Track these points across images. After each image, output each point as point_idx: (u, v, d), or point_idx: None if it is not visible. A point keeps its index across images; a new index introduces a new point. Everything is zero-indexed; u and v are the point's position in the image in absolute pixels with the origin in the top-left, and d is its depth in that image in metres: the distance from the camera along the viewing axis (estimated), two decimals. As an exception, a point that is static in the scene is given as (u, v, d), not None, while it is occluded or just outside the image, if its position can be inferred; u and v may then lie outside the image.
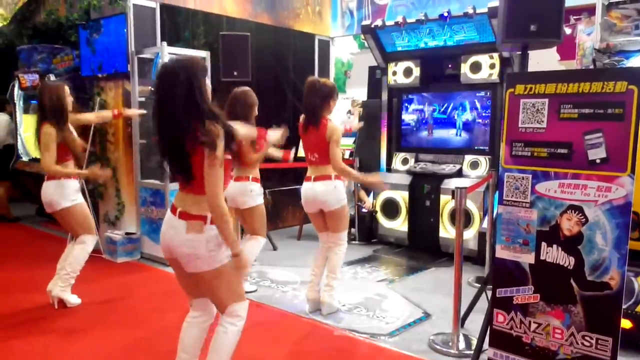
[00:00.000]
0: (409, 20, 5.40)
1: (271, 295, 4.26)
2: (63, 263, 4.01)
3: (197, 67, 2.25)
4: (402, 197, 5.61)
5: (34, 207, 7.62)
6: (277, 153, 4.30)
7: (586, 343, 2.45)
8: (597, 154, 2.38)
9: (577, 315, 2.47)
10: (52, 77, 5.89)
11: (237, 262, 2.29)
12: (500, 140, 2.70)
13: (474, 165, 5.31)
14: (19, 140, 7.49)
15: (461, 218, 3.23)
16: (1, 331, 3.58)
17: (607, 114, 2.35)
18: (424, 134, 5.79)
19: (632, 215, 2.34)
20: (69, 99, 3.88)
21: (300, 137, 3.82)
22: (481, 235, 4.93)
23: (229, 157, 2.39)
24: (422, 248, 5.57)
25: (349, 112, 7.46)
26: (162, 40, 5.18)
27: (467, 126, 5.47)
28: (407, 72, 5.69)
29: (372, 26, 5.66)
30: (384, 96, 5.98)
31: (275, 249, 5.68)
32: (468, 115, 5.46)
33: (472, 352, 3.10)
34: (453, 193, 3.24)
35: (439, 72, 5.61)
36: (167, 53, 4.89)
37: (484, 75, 5.17)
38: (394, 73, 5.80)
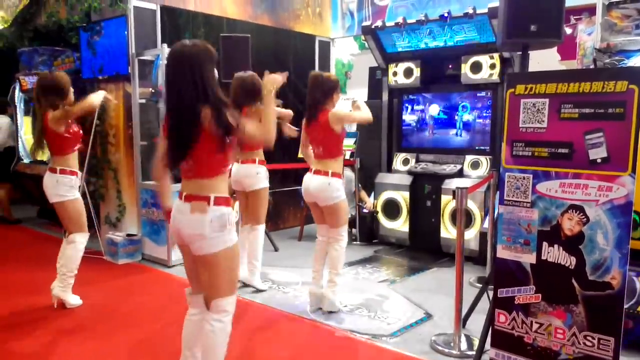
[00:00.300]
0: (409, 21, 5.41)
1: (272, 296, 4.26)
2: (60, 262, 4.02)
3: (206, 52, 2.33)
4: (403, 198, 5.61)
5: (35, 209, 7.63)
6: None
7: (588, 343, 2.44)
8: (597, 153, 2.38)
9: (578, 315, 2.47)
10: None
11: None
12: (501, 140, 2.71)
13: (475, 165, 5.30)
14: (19, 142, 7.50)
15: (462, 218, 3.23)
16: (2, 333, 3.58)
17: (608, 114, 2.35)
18: (425, 134, 5.79)
19: (633, 214, 2.34)
20: (69, 87, 3.93)
21: (305, 132, 3.84)
22: (482, 236, 4.93)
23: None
24: (423, 248, 5.57)
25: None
26: (162, 42, 5.20)
27: (468, 126, 5.47)
28: (408, 73, 5.70)
29: (373, 27, 5.66)
30: (385, 97, 5.98)
31: (276, 249, 5.68)
32: (469, 116, 5.46)
33: (474, 352, 3.09)
34: (454, 193, 3.24)
35: (440, 72, 5.61)
36: (167, 55, 4.90)
37: (484, 75, 5.17)
38: (395, 74, 5.80)
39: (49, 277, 4.07)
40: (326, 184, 3.70)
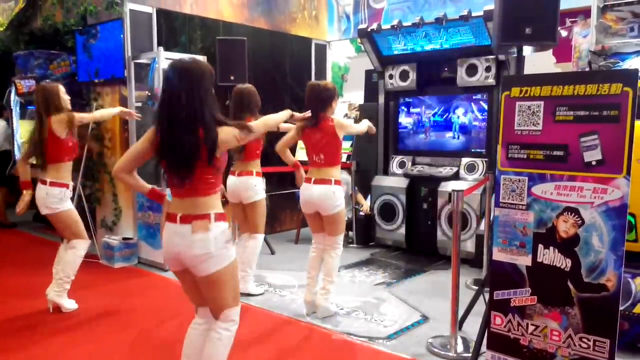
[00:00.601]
0: (405, 24, 5.42)
1: (269, 299, 4.25)
2: (57, 267, 4.00)
3: (203, 71, 2.29)
4: (399, 200, 5.61)
5: (31, 213, 7.59)
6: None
7: (584, 345, 2.45)
8: (592, 155, 2.39)
9: (574, 317, 2.47)
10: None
11: None
12: (496, 143, 2.71)
13: (471, 167, 5.31)
14: (15, 146, 7.47)
15: (458, 221, 3.23)
16: (-2, 337, 3.57)
17: (603, 116, 2.36)
18: (421, 136, 5.80)
19: (628, 216, 2.35)
20: (66, 97, 3.92)
21: (303, 139, 3.83)
22: (479, 238, 4.94)
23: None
24: (419, 251, 5.57)
25: (346, 115, 7.48)
26: (158, 45, 5.19)
27: (464, 129, 5.48)
28: (404, 76, 5.71)
29: (369, 30, 5.68)
30: (381, 99, 5.99)
31: (273, 253, 5.67)
32: (464, 118, 5.47)
33: (470, 354, 3.10)
34: (450, 196, 3.24)
35: (436, 75, 5.63)
36: (163, 58, 4.90)
37: (480, 78, 5.18)
38: (391, 76, 5.81)
39: (45, 281, 4.06)
40: (331, 193, 3.69)
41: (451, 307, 3.25)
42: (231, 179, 4.20)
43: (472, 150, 5.42)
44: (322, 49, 7.31)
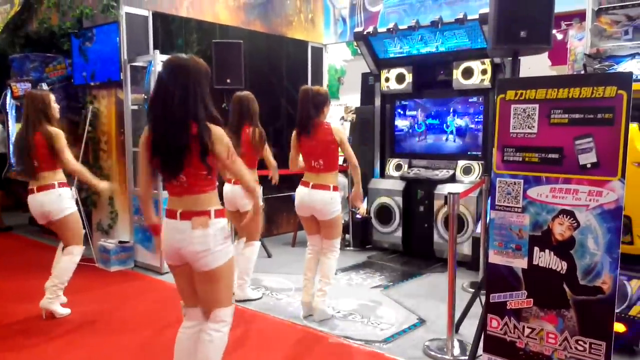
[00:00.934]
0: (400, 27, 5.44)
1: (266, 303, 4.24)
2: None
3: (200, 68, 2.31)
4: (396, 203, 5.62)
5: (27, 216, 7.57)
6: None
7: (580, 347, 2.45)
8: (587, 158, 2.39)
9: (570, 319, 2.48)
10: (44, 86, 5.88)
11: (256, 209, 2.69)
12: (492, 146, 2.72)
13: (467, 170, 5.32)
14: (11, 149, 7.45)
15: (454, 224, 3.24)
16: (-7, 342, 3.55)
17: (597, 119, 2.36)
18: (417, 139, 5.80)
19: (623, 219, 2.35)
20: (55, 106, 3.91)
21: (299, 145, 3.83)
22: (475, 241, 4.94)
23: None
24: (416, 254, 5.58)
25: (342, 118, 7.48)
26: (154, 48, 5.18)
27: (460, 132, 5.49)
28: (400, 79, 5.72)
29: (365, 33, 5.69)
30: (377, 102, 6.00)
31: (269, 256, 5.67)
32: (460, 121, 5.48)
33: (467, 357, 3.10)
34: (446, 198, 3.24)
35: (432, 78, 5.64)
36: (159, 61, 4.89)
37: (475, 81, 5.19)
38: (387, 79, 5.82)
39: (41, 285, 4.03)
40: (329, 199, 3.70)
41: (448, 310, 3.25)
42: (227, 187, 4.19)
43: (469, 153, 5.43)
44: (318, 52, 7.32)
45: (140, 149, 2.38)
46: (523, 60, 4.14)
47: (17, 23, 6.45)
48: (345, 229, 5.98)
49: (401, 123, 5.91)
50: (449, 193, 3.25)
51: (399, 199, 5.60)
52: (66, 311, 3.98)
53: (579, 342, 2.45)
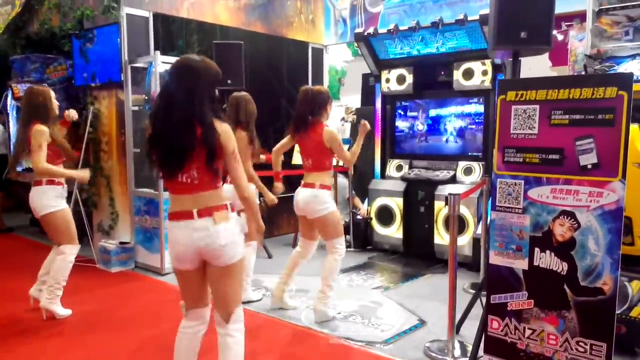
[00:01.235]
0: (401, 28, 5.44)
1: (266, 304, 4.24)
2: (44, 270, 4.00)
3: (210, 70, 2.32)
4: (396, 204, 5.62)
5: (28, 217, 7.57)
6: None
7: (580, 349, 2.45)
8: (588, 159, 2.39)
9: (571, 320, 2.47)
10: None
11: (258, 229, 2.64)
12: (492, 147, 2.72)
13: (468, 171, 5.32)
14: (12, 150, 7.46)
15: (455, 224, 3.23)
16: (-7, 343, 3.55)
17: (598, 120, 2.36)
18: (418, 140, 5.80)
19: (623, 220, 2.35)
20: (55, 103, 3.90)
21: (297, 143, 3.86)
22: (476, 241, 4.94)
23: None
24: (417, 255, 5.57)
25: (343, 119, 7.48)
26: (155, 49, 5.19)
27: (461, 132, 5.49)
28: (401, 79, 5.72)
29: (365, 34, 5.69)
30: (378, 103, 6.00)
31: (270, 257, 5.67)
32: (461, 122, 5.48)
33: (467, 359, 3.09)
34: (447, 199, 3.24)
35: (432, 79, 5.64)
36: (160, 62, 4.90)
37: (476, 81, 5.19)
38: (388, 80, 5.82)
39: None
40: (312, 197, 3.71)
41: (448, 311, 3.24)
42: (225, 187, 4.18)
43: (469, 153, 5.43)
44: (318, 53, 7.33)
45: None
46: (523, 60, 4.14)
47: (18, 24, 6.46)
48: (346, 230, 5.97)
49: (402, 124, 5.91)
50: (450, 194, 3.24)
51: (400, 200, 5.59)
52: (67, 312, 3.97)
53: (580, 343, 2.45)
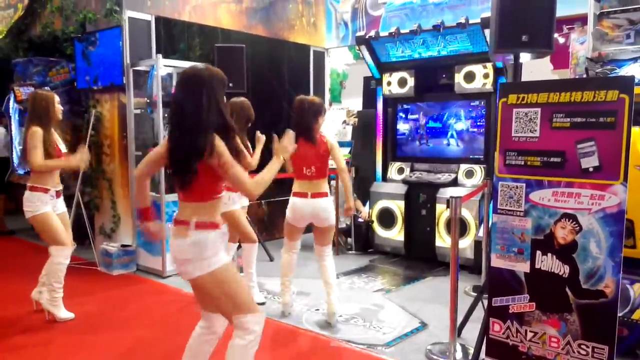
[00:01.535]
0: (402, 31, 5.44)
1: (267, 307, 4.24)
2: (44, 272, 4.01)
3: (214, 78, 2.33)
4: (398, 207, 5.62)
5: (30, 220, 7.58)
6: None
7: (582, 352, 2.45)
8: (589, 162, 2.39)
9: (573, 323, 2.47)
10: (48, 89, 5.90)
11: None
12: (494, 150, 2.73)
13: (469, 174, 5.32)
14: (14, 153, 7.47)
15: (456, 227, 3.23)
16: (-5, 345, 3.55)
17: (599, 123, 2.37)
18: (419, 143, 5.80)
19: (625, 222, 2.35)
20: (58, 107, 3.93)
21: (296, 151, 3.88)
22: (477, 244, 4.94)
23: None
24: (418, 257, 5.57)
25: (344, 121, 7.49)
26: (157, 52, 5.20)
27: (462, 135, 5.50)
28: (402, 82, 5.72)
29: (367, 37, 5.70)
30: (379, 106, 6.00)
31: (271, 259, 5.67)
32: (463, 125, 5.48)
33: (469, 361, 3.09)
34: (448, 202, 3.24)
35: (433, 82, 5.64)
36: (162, 65, 4.92)
37: (477, 84, 5.20)
38: (389, 83, 5.83)
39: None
40: (329, 205, 3.82)
41: (450, 314, 3.24)
42: None
43: (471, 156, 5.43)
44: (320, 56, 7.34)
45: (161, 145, 2.40)
46: (525, 64, 4.15)
47: (21, 27, 6.48)
48: (347, 233, 5.99)
49: (403, 127, 5.92)
50: (451, 197, 3.24)
51: (401, 203, 5.59)
52: (69, 315, 3.96)
53: (582, 346, 2.45)
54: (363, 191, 6.13)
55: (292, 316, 4.02)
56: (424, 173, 5.63)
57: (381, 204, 5.75)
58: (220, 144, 2.23)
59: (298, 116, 3.83)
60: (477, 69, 5.17)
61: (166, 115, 4.82)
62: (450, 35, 5.21)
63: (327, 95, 7.64)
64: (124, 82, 5.20)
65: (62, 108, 3.99)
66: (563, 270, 2.49)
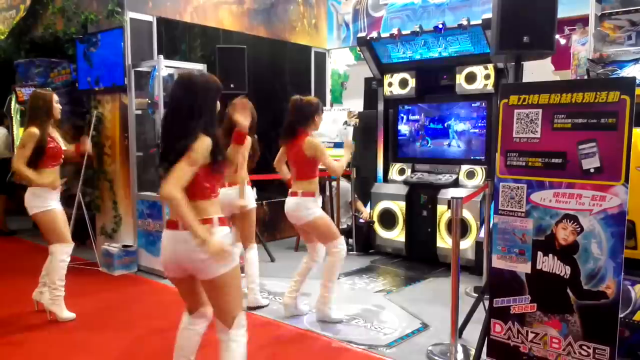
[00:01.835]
0: (404, 32, 5.45)
1: (269, 307, 4.24)
2: (44, 272, 4.02)
3: (208, 86, 2.36)
4: (399, 208, 5.62)
5: (30, 221, 7.58)
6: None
7: (584, 352, 2.45)
8: (591, 163, 2.40)
9: (574, 324, 2.47)
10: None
11: (212, 248, 2.19)
12: (495, 150, 2.74)
13: (470, 175, 5.32)
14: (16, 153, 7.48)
15: (457, 228, 3.23)
16: (-3, 346, 3.56)
17: (601, 124, 2.37)
18: (420, 144, 5.80)
19: (626, 223, 2.35)
20: (57, 106, 3.94)
21: (282, 150, 3.95)
22: (478, 245, 4.94)
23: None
24: (419, 258, 5.57)
25: (345, 122, 7.49)
26: (159, 53, 5.21)
27: (463, 136, 5.50)
28: (403, 83, 5.73)
29: (368, 38, 5.70)
30: (380, 107, 6.01)
31: (273, 260, 5.67)
32: (464, 126, 5.48)
33: (470, 362, 3.09)
34: (449, 203, 3.24)
35: (435, 83, 5.64)
36: (164, 66, 4.92)
37: (478, 85, 5.20)
38: (390, 84, 5.83)
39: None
40: (296, 204, 3.78)
41: (451, 315, 3.24)
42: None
43: (472, 157, 5.43)
44: (321, 57, 7.35)
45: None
46: (526, 65, 4.15)
47: (23, 28, 6.50)
48: (349, 234, 5.98)
49: (404, 128, 5.92)
50: (452, 197, 3.24)
51: (402, 204, 5.59)
52: (70, 315, 3.96)
53: (583, 347, 2.45)
54: (364, 192, 6.14)
55: (293, 317, 4.02)
56: (425, 174, 5.63)
57: (382, 204, 5.75)
58: (203, 144, 2.24)
59: (290, 115, 3.81)
60: (479, 70, 5.17)
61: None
62: (452, 37, 5.22)
63: (328, 96, 7.65)
64: (126, 83, 5.21)
65: (60, 107, 4.00)
66: (564, 271, 2.49)
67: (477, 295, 3.90)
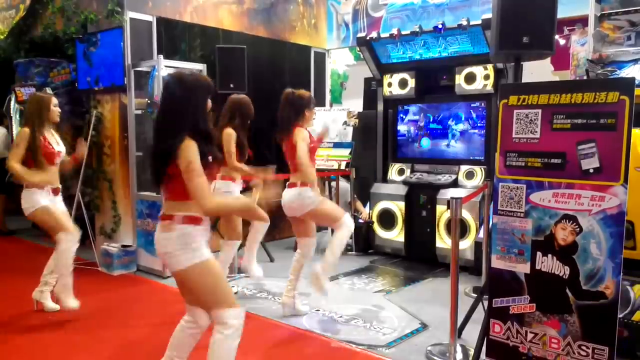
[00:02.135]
0: (403, 33, 5.45)
1: (268, 307, 4.24)
2: (47, 271, 4.05)
3: (199, 85, 2.37)
4: (398, 208, 5.62)
5: (30, 221, 7.58)
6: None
7: (583, 352, 2.45)
8: (590, 163, 2.40)
9: (573, 324, 2.48)
10: (49, 90, 5.90)
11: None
12: (494, 151, 2.74)
13: (470, 175, 5.32)
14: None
15: (457, 228, 3.23)
16: (-4, 345, 3.56)
17: (600, 124, 2.37)
18: (420, 144, 5.81)
19: (625, 224, 2.36)
20: (55, 110, 3.96)
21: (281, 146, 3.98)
22: (477, 245, 4.94)
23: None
24: (418, 258, 5.57)
25: (345, 122, 7.49)
26: (158, 53, 5.21)
27: (463, 136, 5.50)
28: (402, 84, 5.73)
29: (367, 38, 5.71)
30: (380, 107, 6.01)
31: (272, 260, 5.67)
32: (463, 126, 5.49)
33: (469, 362, 3.09)
34: (448, 203, 3.25)
35: (434, 83, 5.65)
36: (163, 66, 4.92)
37: (478, 86, 5.20)
38: (389, 84, 5.83)
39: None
40: (296, 195, 3.79)
41: (450, 315, 3.24)
42: (218, 184, 4.21)
43: (471, 157, 5.43)
44: (321, 57, 7.36)
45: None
46: (525, 65, 4.16)
47: (22, 28, 6.50)
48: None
49: (403, 128, 5.92)
50: (452, 198, 3.25)
51: (402, 204, 5.60)
52: (75, 304, 3.96)
53: (582, 347, 2.45)
54: (363, 192, 6.14)
55: (292, 317, 4.02)
56: (424, 174, 5.63)
57: (381, 205, 5.76)
58: (190, 150, 2.23)
59: (282, 109, 3.83)
60: (478, 70, 5.18)
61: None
62: (451, 37, 5.22)
63: (328, 96, 7.65)
64: (125, 82, 5.21)
65: (59, 111, 4.03)
66: (563, 271, 2.49)
67: (476, 295, 3.90)
